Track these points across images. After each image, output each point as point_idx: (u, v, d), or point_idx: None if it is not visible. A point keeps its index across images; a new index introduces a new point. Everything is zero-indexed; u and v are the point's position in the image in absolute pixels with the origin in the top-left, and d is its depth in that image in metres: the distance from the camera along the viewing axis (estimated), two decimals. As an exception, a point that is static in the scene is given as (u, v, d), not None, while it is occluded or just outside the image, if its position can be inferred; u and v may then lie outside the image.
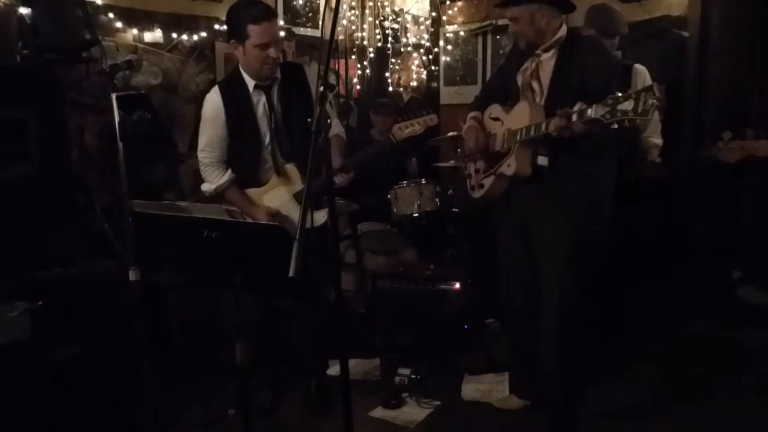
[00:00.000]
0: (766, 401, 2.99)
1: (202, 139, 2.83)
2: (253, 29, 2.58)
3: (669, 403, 3.00)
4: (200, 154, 2.85)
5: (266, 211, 2.78)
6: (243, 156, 2.83)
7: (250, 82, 2.75)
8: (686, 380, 3.25)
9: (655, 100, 1.95)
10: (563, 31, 2.51)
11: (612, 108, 2.06)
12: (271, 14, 2.65)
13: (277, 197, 2.85)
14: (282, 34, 4.46)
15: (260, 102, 2.77)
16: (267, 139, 2.79)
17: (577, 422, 2.63)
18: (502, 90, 2.78)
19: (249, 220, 2.75)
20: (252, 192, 2.86)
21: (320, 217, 2.71)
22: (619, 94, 2.06)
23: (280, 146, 2.81)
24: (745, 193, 4.04)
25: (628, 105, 2.02)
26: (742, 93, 3.99)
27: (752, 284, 4.02)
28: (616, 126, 2.10)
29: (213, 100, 2.78)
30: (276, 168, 2.83)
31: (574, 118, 2.19)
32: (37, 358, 2.38)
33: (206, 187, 2.87)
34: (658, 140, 3.22)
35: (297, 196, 2.80)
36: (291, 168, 2.82)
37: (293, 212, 2.80)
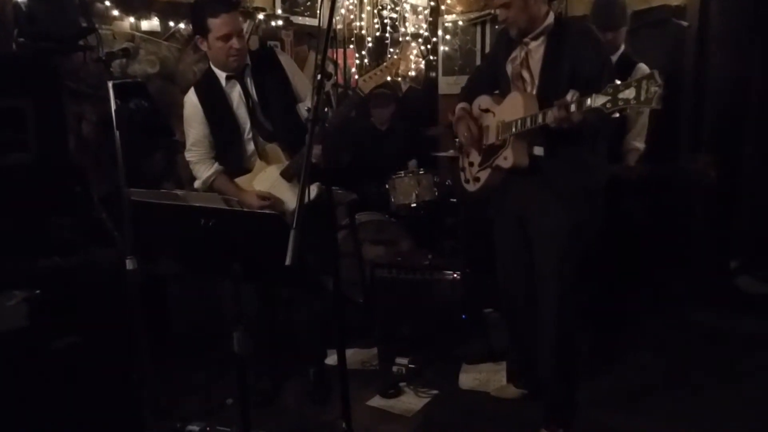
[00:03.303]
0: (763, 389, 3.02)
1: (188, 140, 2.90)
2: (212, 22, 2.63)
3: (666, 392, 3.02)
4: (187, 155, 2.92)
5: (257, 194, 2.82)
6: (227, 147, 2.88)
7: (221, 75, 2.80)
8: (683, 369, 3.27)
9: (657, 88, 1.93)
10: (551, 18, 2.48)
11: (613, 97, 2.04)
12: (229, 5, 2.68)
13: (265, 179, 2.88)
14: (278, 13, 4.46)
15: (235, 91, 2.82)
16: (247, 126, 2.84)
17: (575, 411, 2.64)
18: (489, 80, 2.75)
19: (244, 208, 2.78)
20: (241, 180, 2.90)
21: (311, 191, 2.73)
22: (619, 83, 2.04)
23: (260, 130, 2.84)
24: (743, 184, 4.04)
25: (629, 93, 2.00)
26: (742, 83, 3.98)
27: (750, 274, 4.04)
28: (617, 115, 2.10)
29: (190, 101, 2.85)
30: (258, 151, 2.87)
31: (573, 108, 2.18)
32: (36, 347, 2.38)
33: (197, 183, 2.94)
34: (640, 144, 3.16)
35: (284, 174, 2.83)
36: (273, 148, 2.85)
37: (283, 191, 2.84)
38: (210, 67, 2.84)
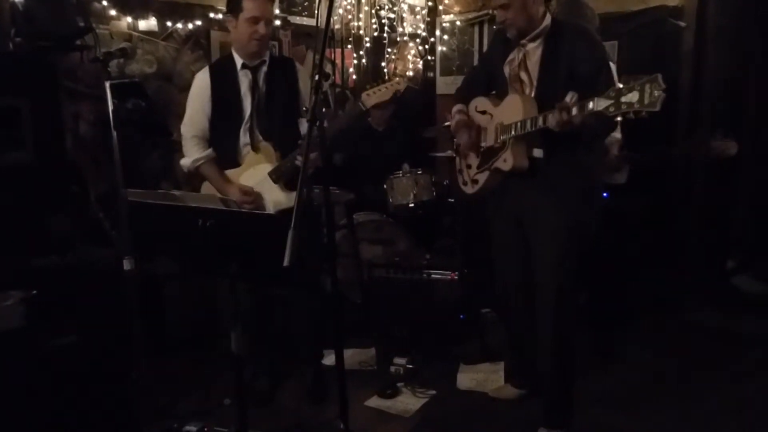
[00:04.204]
0: (761, 388, 3.02)
1: (187, 114, 2.93)
2: (246, 3, 2.71)
3: (664, 391, 3.02)
4: (183, 128, 2.94)
5: (239, 188, 2.83)
6: (223, 133, 2.89)
7: (239, 61, 2.85)
8: (681, 368, 3.27)
9: (661, 92, 1.93)
10: (548, 19, 2.48)
11: (616, 101, 2.03)
12: None
13: (253, 176, 2.89)
14: (276, 13, 4.46)
15: (246, 80, 2.86)
16: (247, 116, 2.86)
17: (573, 410, 2.64)
18: (485, 81, 2.74)
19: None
20: (230, 172, 2.91)
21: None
22: (621, 86, 2.03)
23: (259, 124, 2.86)
24: (740, 184, 4.06)
25: (632, 97, 1.98)
26: (739, 84, 3.99)
27: (746, 273, 4.05)
28: (620, 118, 2.08)
29: (201, 78, 2.91)
30: (253, 146, 2.88)
31: (574, 111, 2.17)
32: (33, 347, 2.37)
33: (184, 161, 2.94)
34: (618, 134, 3.17)
35: (271, 174, 2.84)
36: (266, 146, 2.86)
37: (268, 190, 2.85)
38: (231, 52, 2.89)
